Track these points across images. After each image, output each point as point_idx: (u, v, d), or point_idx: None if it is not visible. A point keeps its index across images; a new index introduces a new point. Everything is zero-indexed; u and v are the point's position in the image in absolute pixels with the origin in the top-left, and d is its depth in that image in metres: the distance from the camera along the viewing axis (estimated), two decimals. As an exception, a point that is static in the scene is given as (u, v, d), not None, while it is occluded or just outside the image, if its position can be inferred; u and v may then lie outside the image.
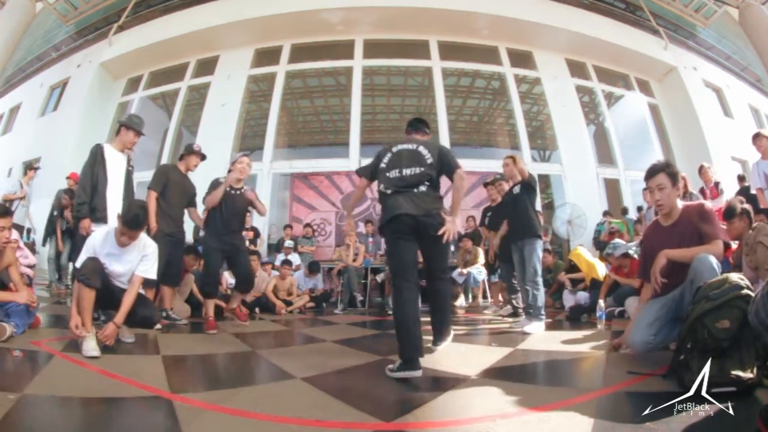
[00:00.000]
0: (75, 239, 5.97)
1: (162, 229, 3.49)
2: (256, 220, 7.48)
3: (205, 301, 3.67)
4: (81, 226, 3.15)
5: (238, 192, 3.71)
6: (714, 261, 1.97)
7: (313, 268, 5.98)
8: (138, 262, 2.58)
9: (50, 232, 6.06)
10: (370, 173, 2.58)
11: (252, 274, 3.99)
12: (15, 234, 3.86)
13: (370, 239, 7.03)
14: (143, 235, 2.65)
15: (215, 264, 3.64)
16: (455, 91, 10.08)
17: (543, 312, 3.57)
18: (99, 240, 2.53)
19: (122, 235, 2.48)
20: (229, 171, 3.73)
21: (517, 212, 3.77)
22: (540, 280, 3.63)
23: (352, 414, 1.50)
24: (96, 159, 3.25)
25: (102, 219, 3.18)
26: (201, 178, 6.91)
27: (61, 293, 5.55)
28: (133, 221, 2.45)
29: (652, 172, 2.27)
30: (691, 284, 1.97)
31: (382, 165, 2.48)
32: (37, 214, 6.48)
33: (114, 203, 3.24)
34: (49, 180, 6.61)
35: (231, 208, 3.63)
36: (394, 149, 2.52)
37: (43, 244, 6.15)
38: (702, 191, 5.32)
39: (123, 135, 3.37)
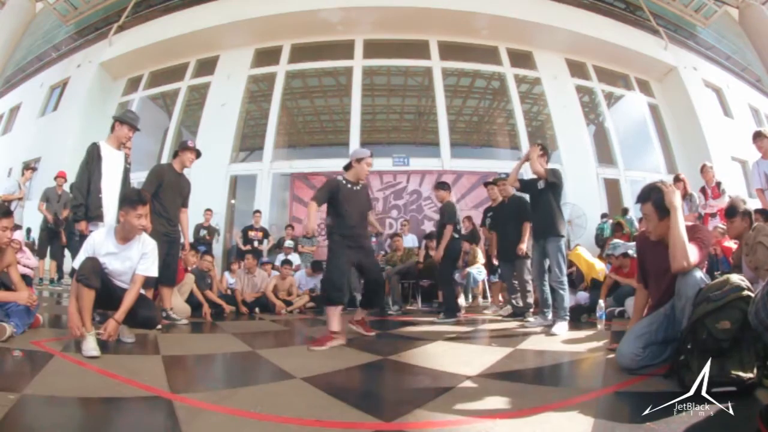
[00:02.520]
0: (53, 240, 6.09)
1: (157, 229, 3.47)
2: (265, 220, 7.50)
3: (327, 310, 2.97)
4: (78, 228, 3.14)
5: (357, 188, 3.24)
6: (699, 276, 1.88)
7: (316, 267, 5.95)
8: (138, 260, 2.58)
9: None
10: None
11: (381, 281, 3.43)
12: (19, 235, 3.86)
13: (374, 239, 7.01)
14: (143, 233, 2.65)
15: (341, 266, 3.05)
16: (455, 91, 10.08)
17: (568, 312, 3.52)
18: (99, 240, 2.53)
19: (140, 217, 2.50)
20: (349, 167, 3.26)
21: (540, 210, 3.67)
22: (565, 279, 3.55)
23: (352, 414, 1.50)
24: (92, 157, 3.22)
25: (97, 218, 3.15)
26: (202, 176, 6.93)
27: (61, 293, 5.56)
28: (140, 197, 2.54)
29: (640, 197, 2.15)
30: (678, 299, 1.93)
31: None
32: (31, 212, 6.49)
33: (111, 202, 3.21)
34: (49, 180, 6.62)
35: (354, 204, 3.17)
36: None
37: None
38: (703, 191, 5.31)
39: (117, 130, 3.35)
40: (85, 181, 3.18)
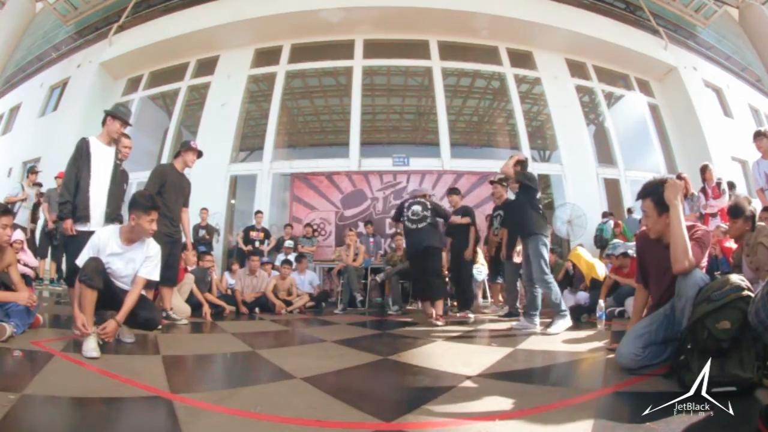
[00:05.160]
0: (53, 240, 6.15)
1: (160, 230, 3.46)
2: (265, 221, 7.52)
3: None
4: (64, 227, 3.01)
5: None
6: (699, 276, 1.87)
7: (299, 258, 5.91)
8: (141, 262, 2.59)
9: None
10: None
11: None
12: (20, 235, 3.86)
13: (371, 239, 7.03)
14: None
15: None
16: (455, 91, 10.08)
17: (564, 307, 3.48)
18: (103, 239, 2.54)
19: (152, 222, 2.53)
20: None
21: (517, 213, 3.81)
22: (549, 277, 3.52)
23: (352, 414, 1.49)
24: (81, 154, 3.10)
25: (84, 218, 3.04)
26: (202, 176, 6.97)
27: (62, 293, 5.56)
28: (153, 203, 2.56)
29: (640, 193, 2.16)
30: (678, 298, 1.92)
31: None
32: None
33: (99, 199, 3.12)
34: (48, 180, 6.62)
35: None
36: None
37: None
38: (704, 191, 5.31)
39: (109, 125, 3.25)
40: (72, 178, 3.06)
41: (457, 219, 4.70)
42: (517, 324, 3.74)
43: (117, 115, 3.28)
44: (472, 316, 4.31)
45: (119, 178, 3.37)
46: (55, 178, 6.39)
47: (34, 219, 6.32)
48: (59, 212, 3.09)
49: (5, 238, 2.57)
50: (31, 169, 6.57)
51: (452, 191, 5.25)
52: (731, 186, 5.45)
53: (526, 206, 3.69)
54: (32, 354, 2.19)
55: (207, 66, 9.75)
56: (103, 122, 3.29)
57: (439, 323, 3.84)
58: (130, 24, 10.16)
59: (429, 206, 4.35)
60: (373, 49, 9.38)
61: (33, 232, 6.34)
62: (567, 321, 3.42)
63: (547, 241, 3.65)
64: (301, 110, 10.81)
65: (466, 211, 4.87)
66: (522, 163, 3.81)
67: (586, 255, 5.10)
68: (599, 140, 9.52)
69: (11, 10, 12.39)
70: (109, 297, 2.47)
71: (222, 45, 9.55)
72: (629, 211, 8.00)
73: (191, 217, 4.24)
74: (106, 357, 2.19)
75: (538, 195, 3.80)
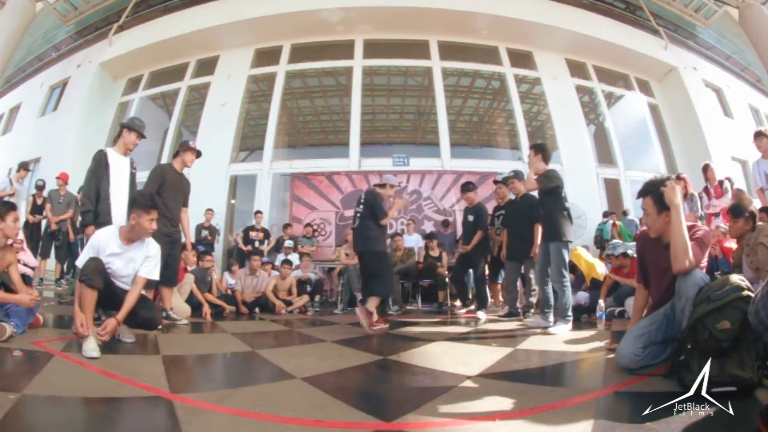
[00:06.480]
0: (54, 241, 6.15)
1: (160, 230, 3.48)
2: (265, 221, 7.53)
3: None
4: (86, 233, 3.17)
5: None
6: (699, 276, 1.87)
7: (302, 256, 5.94)
8: (141, 262, 2.59)
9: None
10: None
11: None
12: (20, 234, 3.87)
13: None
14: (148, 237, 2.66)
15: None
16: (455, 91, 10.08)
17: (570, 313, 3.51)
18: (103, 240, 2.54)
19: (152, 221, 2.56)
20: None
21: (545, 216, 3.72)
22: (566, 280, 3.53)
23: (352, 414, 1.50)
24: (100, 165, 3.27)
25: (105, 224, 3.16)
26: (202, 176, 6.95)
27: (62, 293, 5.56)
28: (153, 202, 2.59)
29: (640, 192, 2.17)
30: (678, 298, 1.93)
31: None
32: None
33: (120, 207, 3.27)
34: (49, 180, 6.63)
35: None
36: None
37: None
38: (706, 191, 5.30)
39: (125, 137, 3.41)
40: (93, 188, 3.23)
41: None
42: (532, 321, 3.76)
43: (133, 127, 3.44)
44: (483, 317, 4.28)
45: (135, 185, 3.52)
46: (56, 178, 6.40)
47: (33, 213, 6.36)
48: (82, 219, 3.31)
49: (15, 232, 2.59)
50: (22, 165, 6.59)
51: (465, 187, 4.93)
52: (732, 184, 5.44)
53: (553, 209, 3.60)
54: (32, 354, 2.19)
55: (207, 66, 9.75)
56: (119, 134, 3.46)
57: (370, 329, 3.47)
58: (130, 24, 10.15)
59: (362, 200, 3.91)
60: (373, 49, 9.38)
61: (38, 228, 6.37)
62: (569, 326, 3.45)
63: (570, 245, 3.67)
64: (301, 110, 10.81)
65: (477, 211, 4.77)
66: (545, 156, 3.71)
67: (586, 255, 5.09)
68: (599, 140, 9.52)
69: (11, 10, 12.39)
70: (109, 297, 2.47)
71: (222, 45, 9.55)
72: (624, 213, 8.01)
73: (192, 216, 4.26)
74: (106, 357, 2.19)
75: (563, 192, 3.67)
